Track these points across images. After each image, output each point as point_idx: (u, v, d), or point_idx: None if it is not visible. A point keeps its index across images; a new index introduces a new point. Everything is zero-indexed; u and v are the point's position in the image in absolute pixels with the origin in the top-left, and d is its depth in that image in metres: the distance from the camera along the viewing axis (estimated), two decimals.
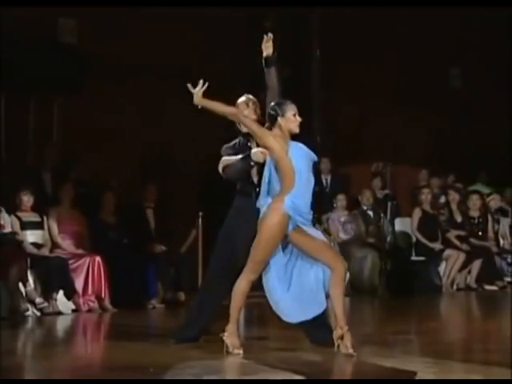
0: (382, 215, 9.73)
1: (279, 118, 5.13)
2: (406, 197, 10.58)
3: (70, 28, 8.45)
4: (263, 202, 5.09)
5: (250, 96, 5.71)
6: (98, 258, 7.68)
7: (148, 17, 9.34)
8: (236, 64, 10.05)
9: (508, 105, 12.22)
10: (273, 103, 5.25)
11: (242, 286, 5.10)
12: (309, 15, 10.69)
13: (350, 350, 4.96)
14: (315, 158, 5.16)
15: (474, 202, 10.21)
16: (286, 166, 5.01)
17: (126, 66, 9.16)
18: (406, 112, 11.50)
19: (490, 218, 10.35)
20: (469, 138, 11.82)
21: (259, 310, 7.02)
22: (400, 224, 10.09)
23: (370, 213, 9.63)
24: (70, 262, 7.61)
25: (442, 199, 10.45)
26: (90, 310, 7.57)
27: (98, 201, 8.18)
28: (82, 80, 8.53)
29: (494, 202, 10.60)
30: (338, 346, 4.98)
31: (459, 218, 10.19)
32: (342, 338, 4.97)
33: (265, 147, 5.16)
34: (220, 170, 5.59)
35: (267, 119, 5.21)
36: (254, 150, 5.37)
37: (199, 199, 9.54)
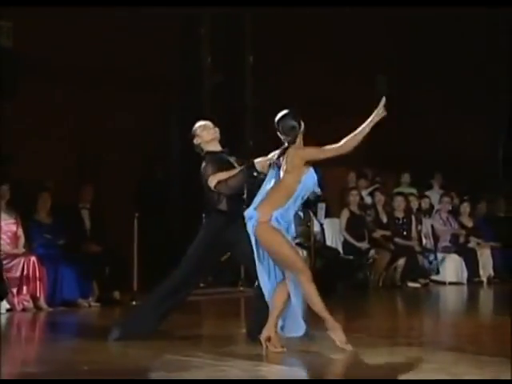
0: (311, 216, 10.02)
1: (300, 130, 5.21)
2: (336, 198, 10.89)
3: (6, 30, 8.48)
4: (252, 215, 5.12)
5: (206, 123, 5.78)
6: (33, 258, 7.75)
7: (84, 20, 9.42)
8: (171, 69, 10.21)
9: (431, 109, 12.74)
10: (291, 115, 5.23)
11: (308, 287, 5.11)
12: (242, 21, 10.92)
13: (343, 345, 5.12)
14: (317, 190, 5.31)
15: (399, 203, 10.61)
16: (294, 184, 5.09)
17: (60, 68, 9.23)
18: (337, 118, 11.82)
19: (413, 218, 10.78)
20: (395, 141, 12.22)
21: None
22: (329, 224, 10.40)
23: (301, 213, 9.90)
24: (5, 262, 7.65)
25: (369, 200, 10.82)
26: (24, 310, 7.62)
27: (33, 201, 8.25)
28: (17, 82, 8.57)
29: (416, 203, 11.05)
30: (267, 347, 5.14)
31: (385, 219, 10.59)
32: (268, 339, 5.14)
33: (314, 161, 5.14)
34: (212, 185, 5.51)
35: (288, 132, 5.18)
36: (257, 159, 5.42)
37: (135, 200, 9.66)
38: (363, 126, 5.21)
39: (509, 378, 4.44)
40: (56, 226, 8.25)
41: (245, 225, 5.20)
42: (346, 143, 5.15)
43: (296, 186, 5.11)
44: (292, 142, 5.21)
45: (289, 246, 5.13)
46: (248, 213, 5.18)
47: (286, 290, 5.19)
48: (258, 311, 5.42)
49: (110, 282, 8.27)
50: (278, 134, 5.31)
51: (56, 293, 7.83)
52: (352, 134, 5.19)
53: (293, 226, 5.23)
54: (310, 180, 5.17)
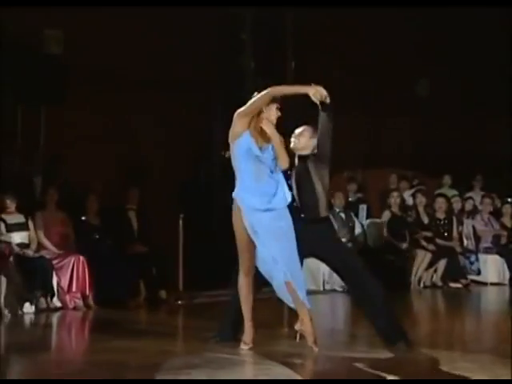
0: (353, 217, 10.10)
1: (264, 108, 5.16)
2: (377, 200, 10.95)
3: (56, 38, 8.73)
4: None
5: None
6: (82, 258, 7.95)
7: (128, 25, 9.60)
8: (214, 73, 10.36)
9: (473, 114, 12.69)
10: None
11: (240, 280, 5.25)
12: (285, 26, 11.02)
13: (310, 343, 5.15)
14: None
15: (440, 204, 10.62)
16: None
17: (107, 72, 9.43)
18: (377, 118, 11.87)
19: (454, 219, 10.79)
20: (436, 143, 12.22)
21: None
22: (371, 225, 10.46)
23: (342, 215, 9.98)
24: (55, 261, 7.85)
25: (410, 202, 10.86)
26: (75, 308, 7.81)
27: (82, 203, 8.46)
28: (66, 87, 8.81)
29: (458, 204, 11.06)
30: (301, 337, 5.22)
31: (426, 220, 10.62)
32: (302, 330, 5.19)
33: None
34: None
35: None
36: None
37: (180, 201, 9.83)
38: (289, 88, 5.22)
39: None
40: (104, 227, 8.43)
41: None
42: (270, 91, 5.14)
43: (237, 159, 5.12)
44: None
45: (240, 240, 5.16)
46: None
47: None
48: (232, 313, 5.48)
49: (156, 281, 8.42)
50: None
51: (104, 292, 8.00)
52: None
53: (277, 194, 5.17)
54: (243, 143, 5.13)
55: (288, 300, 5.22)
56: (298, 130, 5.61)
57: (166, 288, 8.41)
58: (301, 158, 5.50)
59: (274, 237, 5.12)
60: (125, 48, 9.58)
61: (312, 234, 5.35)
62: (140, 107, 9.81)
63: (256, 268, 5.34)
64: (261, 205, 5.13)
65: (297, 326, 5.27)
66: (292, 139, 5.55)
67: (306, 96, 5.18)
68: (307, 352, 5.27)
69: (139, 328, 7.05)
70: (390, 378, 4.62)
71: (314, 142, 5.46)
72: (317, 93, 5.19)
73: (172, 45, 9.95)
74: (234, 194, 5.24)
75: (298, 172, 5.47)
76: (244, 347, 5.27)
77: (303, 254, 5.36)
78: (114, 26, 9.46)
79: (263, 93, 5.19)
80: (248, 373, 4.86)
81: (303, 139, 5.53)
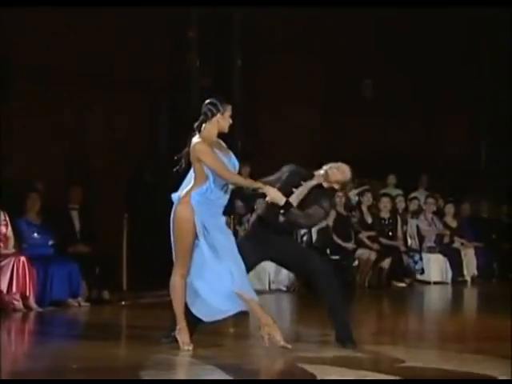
0: None
1: (219, 116, 5.16)
2: None
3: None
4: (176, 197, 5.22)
5: None
6: (22, 258, 7.77)
7: (73, 23, 9.47)
8: (159, 72, 10.28)
9: (417, 113, 12.87)
10: (210, 100, 5.19)
11: (177, 281, 5.23)
12: (230, 24, 11.01)
13: (282, 343, 5.17)
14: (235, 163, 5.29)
15: (385, 204, 10.73)
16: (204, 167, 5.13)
17: (50, 70, 9.30)
18: (324, 118, 11.94)
19: (398, 219, 10.91)
20: (380, 143, 12.35)
21: None
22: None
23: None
24: None
25: (354, 201, 10.93)
26: (14, 309, 7.65)
27: (23, 202, 8.30)
28: (9, 84, 8.65)
29: (402, 203, 11.19)
30: (269, 339, 5.17)
31: (369, 220, 10.71)
32: (269, 334, 5.17)
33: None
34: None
35: (204, 114, 5.15)
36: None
37: (124, 201, 9.72)
38: (245, 181, 5.30)
39: (507, 377, 4.53)
40: (45, 227, 8.29)
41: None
42: (231, 176, 5.20)
43: (203, 171, 5.15)
44: (197, 129, 5.23)
45: (185, 242, 5.16)
46: (173, 196, 5.31)
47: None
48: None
49: (99, 281, 8.33)
50: None
51: (46, 293, 7.87)
52: (240, 178, 5.28)
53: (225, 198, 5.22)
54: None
55: (234, 307, 5.19)
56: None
57: (109, 288, 8.32)
58: None
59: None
60: (71, 47, 9.48)
61: (274, 238, 5.36)
62: (84, 106, 9.69)
63: None
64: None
65: (262, 332, 5.25)
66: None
67: None
68: (253, 351, 5.24)
69: (82, 330, 6.94)
70: (334, 376, 4.63)
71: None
72: (274, 198, 5.29)
73: (118, 44, 9.85)
74: (192, 198, 5.17)
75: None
76: (186, 347, 5.20)
77: (261, 258, 5.34)
78: (59, 26, 9.34)
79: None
80: (192, 373, 4.80)
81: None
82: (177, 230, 5.21)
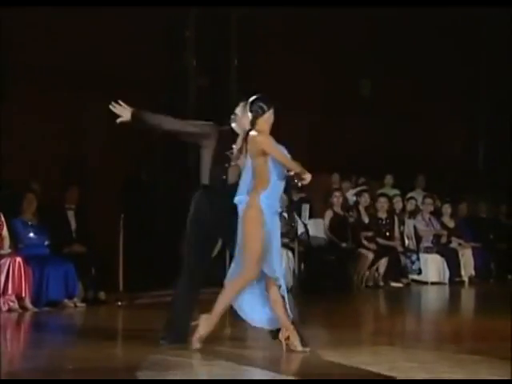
0: (295, 217, 10.11)
1: (270, 111, 5.22)
2: (320, 199, 10.99)
3: None
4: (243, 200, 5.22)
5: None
6: (18, 259, 7.75)
7: (69, 22, 9.45)
8: (156, 71, 10.27)
9: (415, 113, 12.87)
10: (258, 97, 5.27)
11: (243, 285, 5.24)
12: (227, 23, 11.01)
13: (300, 348, 5.17)
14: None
15: (382, 204, 10.72)
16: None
17: (47, 70, 9.27)
18: (322, 118, 11.93)
19: (396, 219, 10.90)
20: (378, 144, 12.35)
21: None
22: (313, 225, 10.49)
23: (285, 214, 9.99)
24: None
25: (352, 201, 10.93)
26: (9, 310, 7.63)
27: (19, 202, 8.27)
28: (6, 87, 8.63)
29: (399, 204, 11.18)
30: (287, 345, 5.18)
31: (366, 220, 10.70)
32: (288, 338, 5.18)
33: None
34: None
35: (256, 111, 5.20)
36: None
37: (121, 201, 9.70)
38: (296, 165, 5.29)
39: (508, 377, 4.51)
40: (42, 227, 8.27)
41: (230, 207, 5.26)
42: (293, 164, 5.27)
43: (267, 168, 5.19)
44: (252, 126, 5.27)
45: (259, 245, 5.17)
46: (239, 199, 5.25)
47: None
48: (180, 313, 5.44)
49: (95, 282, 8.31)
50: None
51: (41, 293, 7.84)
52: (295, 164, 5.29)
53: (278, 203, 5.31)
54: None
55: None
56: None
57: (105, 289, 8.29)
58: None
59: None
60: (67, 47, 9.45)
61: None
62: (81, 106, 9.67)
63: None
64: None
65: (281, 335, 5.25)
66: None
67: None
68: (249, 353, 5.22)
69: (78, 330, 6.92)
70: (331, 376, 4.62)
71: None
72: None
73: (115, 44, 9.83)
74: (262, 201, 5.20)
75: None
76: (301, 349, 5.22)
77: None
78: (55, 25, 9.32)
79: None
80: (190, 374, 4.78)
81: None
82: (249, 234, 5.18)
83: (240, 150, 5.32)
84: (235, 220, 5.26)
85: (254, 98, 5.33)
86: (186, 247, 5.51)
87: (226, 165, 5.42)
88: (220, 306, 5.28)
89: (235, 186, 5.33)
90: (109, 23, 9.70)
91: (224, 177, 5.42)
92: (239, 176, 5.38)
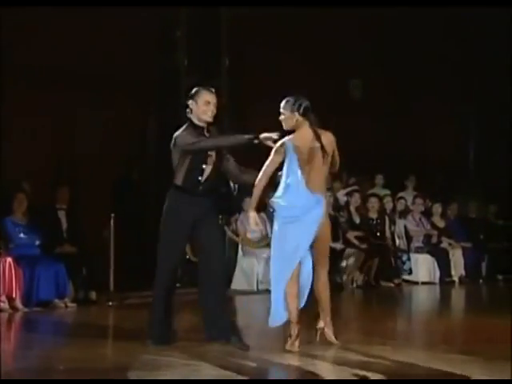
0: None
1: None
2: None
3: None
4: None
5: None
6: (9, 259, 7.74)
7: (60, 21, 9.43)
8: (148, 71, 10.26)
9: (406, 113, 12.91)
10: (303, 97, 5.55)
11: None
12: (218, 23, 11.01)
13: (334, 340, 5.42)
14: None
15: (373, 204, 10.74)
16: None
17: (37, 69, 9.25)
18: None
19: (386, 219, 10.92)
20: (369, 143, 12.37)
21: None
22: None
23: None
24: None
25: (342, 201, 10.94)
26: (0, 310, 7.63)
27: (9, 202, 8.25)
28: None
29: (390, 204, 11.21)
30: (320, 334, 5.43)
31: (357, 220, 10.72)
32: (322, 329, 5.41)
33: None
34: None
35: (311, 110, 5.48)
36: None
37: (111, 200, 9.69)
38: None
39: (508, 377, 4.53)
40: (32, 227, 8.25)
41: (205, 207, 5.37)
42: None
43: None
44: (315, 125, 5.49)
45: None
46: (316, 198, 5.31)
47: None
48: (210, 311, 5.46)
49: (86, 282, 8.30)
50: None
51: (32, 293, 7.83)
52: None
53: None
54: None
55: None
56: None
57: (96, 289, 8.28)
58: None
59: None
60: (58, 46, 9.43)
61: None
62: (72, 105, 9.65)
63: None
64: None
65: (320, 325, 5.47)
66: None
67: None
68: (238, 351, 5.22)
69: (68, 330, 6.90)
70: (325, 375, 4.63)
71: None
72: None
73: (106, 44, 9.82)
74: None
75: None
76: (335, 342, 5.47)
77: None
78: (48, 24, 9.31)
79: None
80: (180, 374, 4.78)
81: None
82: (326, 233, 5.43)
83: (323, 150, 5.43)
84: (208, 221, 5.40)
85: (300, 98, 5.59)
86: (160, 247, 5.57)
87: (204, 166, 5.45)
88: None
89: (210, 185, 5.44)
90: (99, 23, 9.69)
91: (200, 178, 5.45)
92: (217, 176, 5.48)
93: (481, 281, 11.42)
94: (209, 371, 4.79)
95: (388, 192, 11.54)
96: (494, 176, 13.62)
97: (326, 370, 4.85)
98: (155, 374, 4.68)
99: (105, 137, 9.83)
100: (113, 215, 8.43)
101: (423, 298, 10.20)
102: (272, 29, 11.33)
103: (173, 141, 5.50)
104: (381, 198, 10.98)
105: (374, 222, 10.73)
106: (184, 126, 5.55)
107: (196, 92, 5.52)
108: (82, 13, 9.36)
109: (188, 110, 5.50)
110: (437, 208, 11.52)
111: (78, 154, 9.81)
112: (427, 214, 11.51)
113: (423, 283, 10.82)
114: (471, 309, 9.12)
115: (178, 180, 5.47)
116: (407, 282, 10.79)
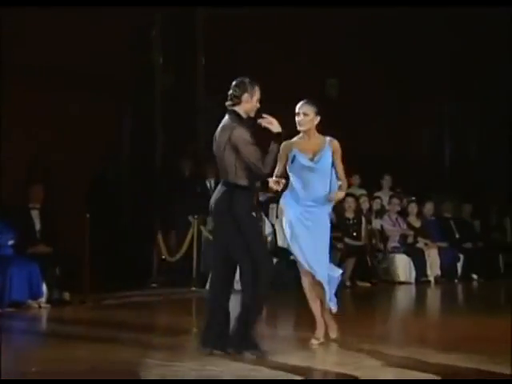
0: (263, 217, 10.09)
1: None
2: None
3: None
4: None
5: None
6: None
7: (34, 19, 9.34)
8: (122, 70, 10.19)
9: (381, 113, 12.96)
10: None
11: None
12: (193, 22, 10.99)
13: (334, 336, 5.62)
14: None
15: (349, 204, 10.76)
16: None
17: (9, 66, 9.15)
18: (285, 118, 11.93)
19: (363, 219, 10.95)
20: (344, 143, 12.39)
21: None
22: (280, 225, 10.47)
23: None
24: None
25: None
26: None
27: None
28: None
29: (366, 204, 11.23)
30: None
31: (334, 220, 10.72)
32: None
33: None
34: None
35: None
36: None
37: (86, 200, 9.61)
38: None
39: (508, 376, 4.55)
40: (5, 227, 8.16)
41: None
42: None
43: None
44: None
45: None
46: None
47: None
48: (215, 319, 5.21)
49: (60, 282, 8.23)
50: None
51: (5, 294, 7.73)
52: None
53: None
54: None
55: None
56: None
57: (70, 289, 8.21)
58: None
59: None
60: (31, 45, 9.31)
61: None
62: (46, 104, 9.55)
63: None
64: None
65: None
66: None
67: None
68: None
69: (42, 331, 6.84)
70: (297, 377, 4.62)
71: None
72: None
73: (80, 43, 9.74)
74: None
75: None
76: (315, 342, 5.52)
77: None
78: (21, 24, 9.18)
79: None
80: (156, 374, 4.73)
81: None
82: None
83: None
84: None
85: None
86: (255, 250, 5.22)
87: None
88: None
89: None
90: (75, 23, 9.61)
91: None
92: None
93: (456, 280, 11.49)
94: (185, 372, 4.74)
95: (364, 192, 11.57)
96: (469, 176, 13.72)
97: (297, 371, 4.83)
98: (130, 375, 4.64)
99: (79, 136, 9.74)
100: (88, 215, 8.38)
101: (399, 298, 10.24)
102: (248, 28, 11.33)
103: (226, 136, 5.20)
104: (357, 198, 11.01)
105: (351, 222, 10.76)
106: (231, 118, 5.28)
107: (252, 86, 5.37)
108: (56, 12, 9.27)
109: (235, 101, 5.28)
110: (413, 208, 11.57)
111: (52, 152, 9.72)
112: (403, 213, 11.55)
113: (399, 283, 10.86)
114: (446, 308, 9.18)
115: (243, 180, 5.23)
116: (383, 281, 10.82)
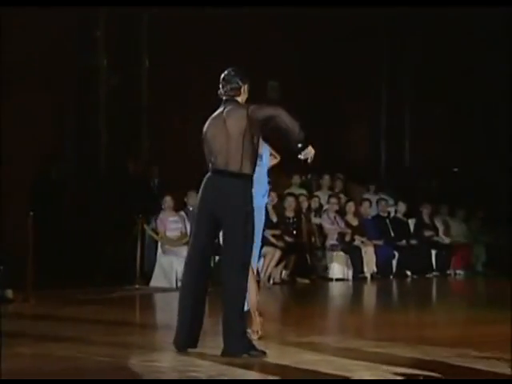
0: None
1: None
2: None
3: None
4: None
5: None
6: None
7: None
8: (67, 70, 10.18)
9: (320, 115, 13.21)
10: None
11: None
12: (138, 23, 11.03)
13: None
14: None
15: (290, 203, 10.99)
16: None
17: None
18: None
19: (303, 217, 11.18)
20: (285, 144, 12.59)
21: None
22: None
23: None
24: None
25: None
26: None
27: None
28: None
29: (305, 203, 11.48)
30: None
31: (275, 219, 10.94)
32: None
33: None
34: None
35: None
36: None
37: (30, 199, 9.58)
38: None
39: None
40: None
41: None
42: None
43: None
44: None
45: None
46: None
47: None
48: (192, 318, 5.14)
49: (2, 280, 8.19)
50: None
51: None
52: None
53: None
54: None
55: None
56: None
57: (13, 287, 8.18)
58: None
59: None
60: None
61: None
62: None
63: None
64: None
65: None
66: None
67: None
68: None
69: None
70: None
71: None
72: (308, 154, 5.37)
73: (24, 43, 9.69)
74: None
75: None
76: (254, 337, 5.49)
77: None
78: None
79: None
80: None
81: None
82: None
83: None
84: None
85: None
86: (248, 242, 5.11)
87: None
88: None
89: None
90: (19, 22, 9.56)
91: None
92: None
93: (391, 277, 11.84)
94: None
95: (304, 192, 11.81)
96: (403, 176, 14.12)
97: (253, 368, 4.95)
98: (75, 374, 4.65)
99: (23, 135, 9.70)
100: (31, 213, 8.36)
101: (337, 294, 10.51)
102: (192, 29, 11.42)
103: (241, 116, 5.10)
104: (297, 197, 11.23)
105: (291, 221, 10.97)
106: (234, 104, 5.26)
107: (249, 80, 5.35)
108: (3, 9, 9.20)
109: (237, 92, 5.25)
110: (350, 207, 11.86)
111: None
112: (342, 212, 11.83)
113: (337, 280, 11.13)
114: (382, 303, 9.48)
115: (247, 168, 5.08)
116: (322, 278, 11.08)
